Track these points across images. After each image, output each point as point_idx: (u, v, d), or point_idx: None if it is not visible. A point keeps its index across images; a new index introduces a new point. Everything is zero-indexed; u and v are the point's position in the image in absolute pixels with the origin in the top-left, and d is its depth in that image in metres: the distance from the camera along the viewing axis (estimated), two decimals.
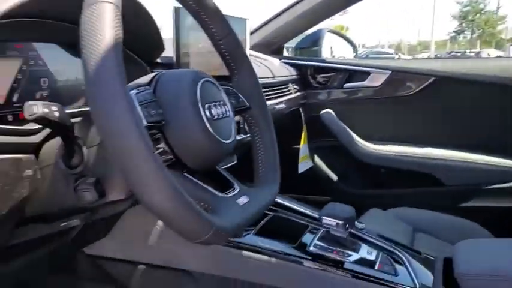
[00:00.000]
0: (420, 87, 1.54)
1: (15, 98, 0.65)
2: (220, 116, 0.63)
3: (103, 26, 0.45)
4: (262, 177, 0.73)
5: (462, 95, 1.52)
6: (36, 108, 0.48)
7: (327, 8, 1.58)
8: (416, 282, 0.85)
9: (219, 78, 0.75)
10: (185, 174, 0.60)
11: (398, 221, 1.29)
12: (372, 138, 1.63)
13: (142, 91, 0.55)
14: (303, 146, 1.58)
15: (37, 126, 0.61)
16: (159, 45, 0.85)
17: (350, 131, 1.61)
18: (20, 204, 0.59)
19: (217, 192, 0.61)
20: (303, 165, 1.58)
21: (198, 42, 0.93)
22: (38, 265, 0.90)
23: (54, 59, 0.72)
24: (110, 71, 0.43)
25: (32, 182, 0.60)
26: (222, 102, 0.64)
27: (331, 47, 1.93)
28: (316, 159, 1.71)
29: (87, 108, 0.65)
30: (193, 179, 0.60)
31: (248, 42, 1.16)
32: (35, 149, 0.61)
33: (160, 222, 0.95)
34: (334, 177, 1.72)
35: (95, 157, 0.60)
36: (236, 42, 0.74)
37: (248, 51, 1.17)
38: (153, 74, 0.61)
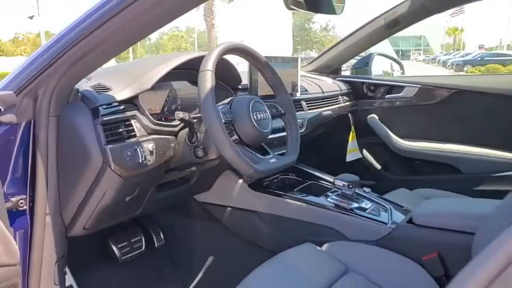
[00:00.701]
0: (443, 98, 2.00)
1: (165, 109, 1.34)
2: (262, 118, 1.24)
3: (206, 81, 1.09)
4: (288, 151, 1.33)
5: (476, 104, 1.95)
6: (180, 115, 1.14)
7: (372, 39, 2.11)
8: (390, 220, 1.38)
9: (271, 96, 1.38)
10: (245, 146, 1.23)
11: (417, 196, 1.77)
12: (406, 137, 2.12)
13: (224, 107, 1.20)
14: (351, 142, 2.13)
15: (177, 123, 1.28)
16: (238, 80, 1.51)
17: (389, 131, 2.12)
18: (167, 160, 1.26)
19: (259, 155, 1.22)
20: (351, 156, 2.12)
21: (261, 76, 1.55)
22: (168, 203, 1.58)
23: (184, 89, 1.40)
24: (209, 101, 1.07)
25: (174, 149, 1.26)
26: (263, 111, 1.26)
27: (391, 65, 2.45)
28: (365, 152, 2.24)
29: (200, 115, 1.31)
30: (248, 149, 1.22)
31: (299, 71, 1.76)
32: (175, 134, 1.28)
33: (239, 182, 1.58)
34: (378, 166, 2.23)
35: (203, 137, 1.25)
36: (277, 78, 1.34)
37: (300, 75, 1.76)
38: (230, 98, 1.25)
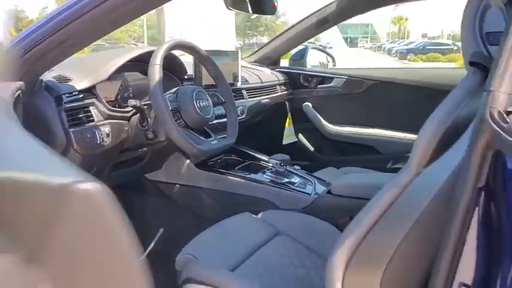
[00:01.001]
0: (365, 88, 2.29)
1: (119, 97, 1.52)
2: (205, 105, 1.46)
3: (155, 73, 1.29)
4: (227, 134, 1.55)
5: (393, 93, 2.25)
6: (133, 102, 1.33)
7: (306, 34, 2.36)
8: (313, 191, 1.64)
9: (213, 85, 1.58)
10: (189, 130, 1.44)
11: (341, 173, 2.04)
12: (336, 122, 2.40)
13: (170, 96, 1.40)
14: (287, 127, 2.39)
15: (129, 109, 1.46)
16: (184, 71, 1.71)
17: (321, 117, 2.39)
18: (122, 141, 1.45)
19: (202, 138, 1.44)
20: (287, 140, 2.38)
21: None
22: (123, 180, 1.76)
23: (136, 79, 1.59)
24: (158, 91, 1.27)
25: (127, 132, 1.45)
26: (206, 99, 1.47)
27: (327, 59, 2.72)
28: (300, 136, 2.49)
29: (150, 102, 1.50)
30: (192, 132, 1.44)
31: (240, 62, 1.98)
32: (128, 118, 1.47)
33: (187, 162, 1.79)
34: (312, 148, 2.50)
35: (152, 122, 1.44)
36: (217, 70, 1.56)
37: (240, 67, 1.99)
38: (176, 88, 1.45)
